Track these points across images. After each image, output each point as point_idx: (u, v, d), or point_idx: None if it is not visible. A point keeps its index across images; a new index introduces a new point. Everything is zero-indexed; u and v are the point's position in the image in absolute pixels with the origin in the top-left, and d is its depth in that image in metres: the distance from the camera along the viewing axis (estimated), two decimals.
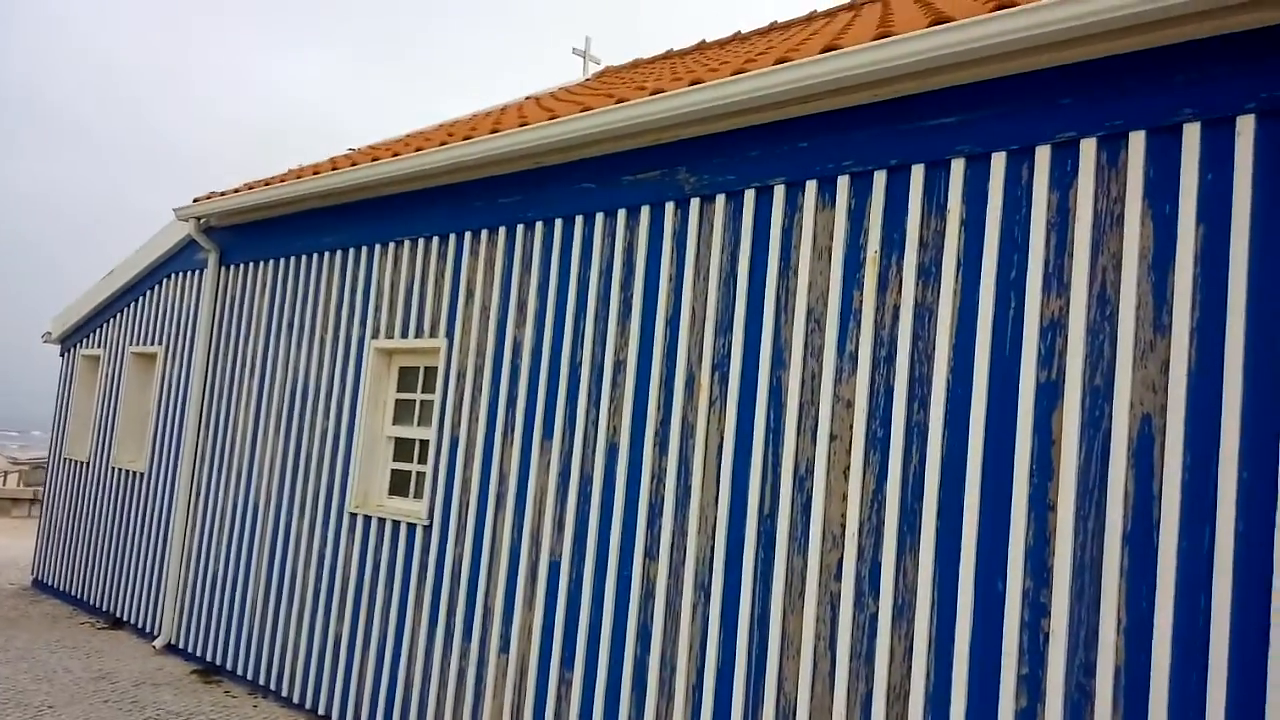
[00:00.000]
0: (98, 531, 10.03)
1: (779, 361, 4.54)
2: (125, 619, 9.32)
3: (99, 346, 10.67)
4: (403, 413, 6.92)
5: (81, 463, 10.62)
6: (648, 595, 4.91)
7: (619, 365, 5.26)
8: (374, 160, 6.59)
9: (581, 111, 5.26)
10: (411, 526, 6.36)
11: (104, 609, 9.69)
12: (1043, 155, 3.82)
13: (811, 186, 4.54)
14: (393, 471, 6.91)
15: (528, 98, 9.94)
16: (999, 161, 3.93)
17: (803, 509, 4.35)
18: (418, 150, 6.29)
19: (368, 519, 6.72)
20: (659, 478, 4.97)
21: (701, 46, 9.80)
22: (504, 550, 5.70)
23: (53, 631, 9.07)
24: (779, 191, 4.66)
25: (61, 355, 11.64)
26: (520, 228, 5.99)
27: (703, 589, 4.67)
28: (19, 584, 11.45)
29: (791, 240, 4.60)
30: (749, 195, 4.78)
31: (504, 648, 5.59)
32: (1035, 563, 3.63)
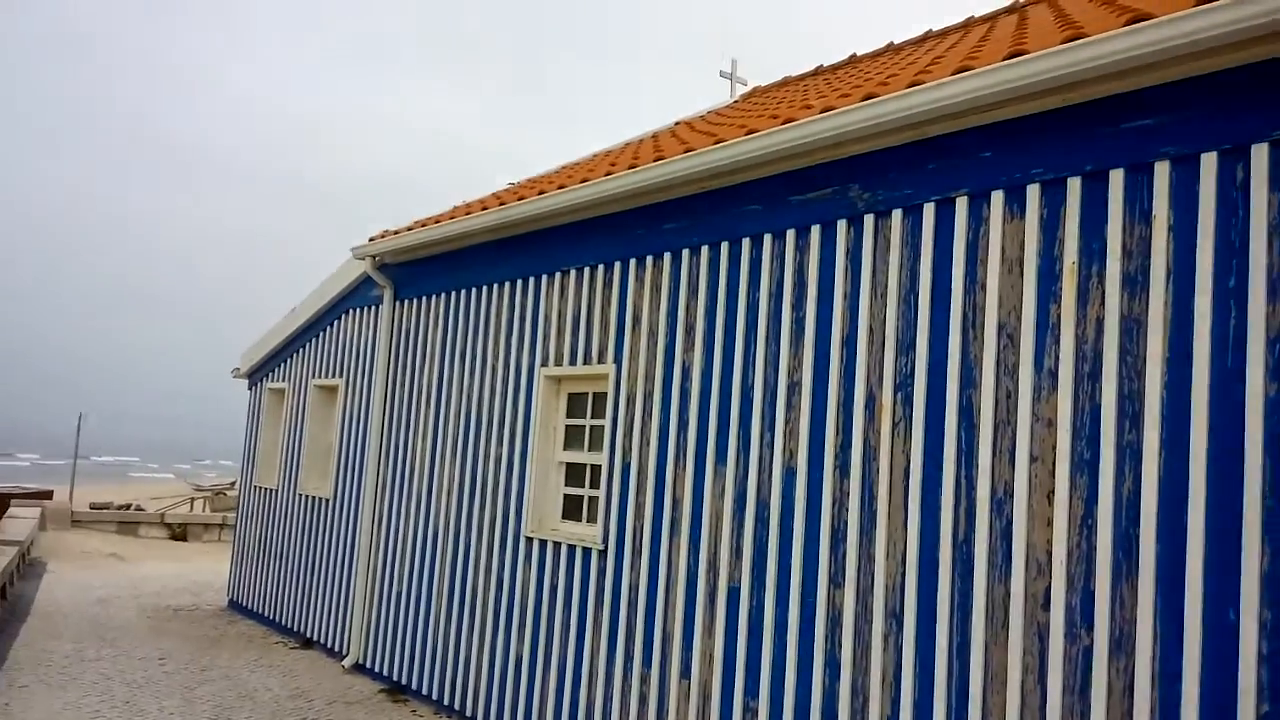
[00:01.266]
0: (287, 555, 10.62)
1: (968, 380, 4.37)
2: (315, 639, 9.81)
3: (284, 380, 11.35)
4: (573, 438, 7.04)
5: (271, 490, 11.28)
6: (834, 623, 4.80)
7: (793, 387, 5.19)
8: (540, 194, 6.76)
9: (747, 134, 5.24)
10: (586, 551, 6.44)
11: (295, 629, 10.24)
12: (1260, 155, 3.54)
13: (997, 197, 4.36)
14: (565, 496, 7.03)
15: (678, 123, 10.01)
16: (1209, 162, 3.67)
17: (1002, 535, 4.16)
18: (583, 181, 6.40)
19: (543, 543, 6.85)
20: (840, 502, 4.86)
21: (853, 60, 9.64)
22: (681, 576, 5.70)
23: (250, 651, 9.63)
24: (961, 204, 4.50)
25: (250, 389, 12.43)
26: (685, 253, 6.01)
27: (894, 617, 4.53)
28: (216, 605, 12.24)
29: (977, 254, 4.43)
30: (928, 209, 4.64)
31: (685, 674, 5.57)
32: (1274, 591, 3.34)
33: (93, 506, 22.07)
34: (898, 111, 4.45)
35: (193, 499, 30.11)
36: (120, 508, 23.15)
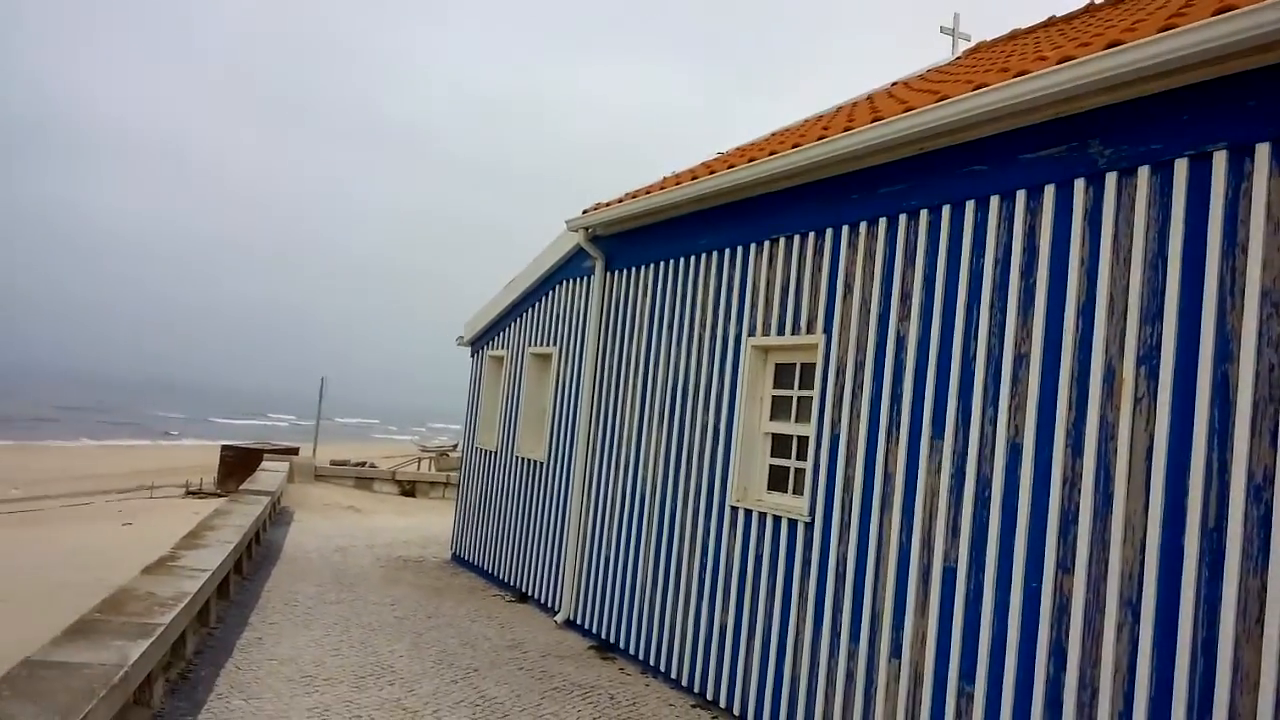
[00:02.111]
0: (504, 514, 11.17)
1: (1224, 354, 3.96)
2: (529, 594, 10.28)
3: (503, 348, 11.89)
4: (780, 409, 6.97)
5: (490, 451, 11.89)
6: (1061, 610, 4.51)
7: (1020, 359, 4.89)
8: (750, 161, 6.68)
9: (975, 89, 4.94)
10: (793, 523, 6.37)
11: (511, 584, 10.76)
12: None
13: (1263, 151, 3.90)
14: (771, 467, 6.97)
15: (894, 83, 9.62)
16: None
17: (1260, 523, 3.75)
18: (794, 147, 6.27)
19: (748, 513, 6.84)
20: (1072, 482, 4.54)
21: (1091, 9, 8.91)
22: (892, 552, 5.53)
23: (470, 602, 10.22)
24: (1219, 159, 4.06)
25: (472, 356, 13.12)
26: (903, 217, 5.77)
27: (1130, 607, 4.19)
28: (440, 558, 13.06)
29: (1237, 213, 3.99)
30: (1180, 165, 4.22)
31: (895, 653, 5.42)
32: None
33: (333, 463, 24.06)
34: (1150, 59, 4.06)
35: (420, 459, 32.28)
36: (357, 465, 25.14)
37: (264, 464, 20.11)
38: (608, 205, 8.80)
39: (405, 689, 6.79)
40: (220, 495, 28.13)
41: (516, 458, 11.00)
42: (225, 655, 7.19)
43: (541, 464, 10.31)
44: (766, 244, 6.98)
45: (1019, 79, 4.63)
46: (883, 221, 5.92)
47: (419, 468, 28.49)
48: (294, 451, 26.73)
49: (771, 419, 7.00)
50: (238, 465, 27.15)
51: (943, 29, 10.86)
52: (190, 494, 29.05)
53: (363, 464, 26.19)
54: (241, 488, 15.14)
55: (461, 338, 13.27)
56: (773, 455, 6.97)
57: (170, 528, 18.88)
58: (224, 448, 28.92)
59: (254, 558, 11.12)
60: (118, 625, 5.59)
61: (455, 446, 42.18)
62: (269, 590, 9.78)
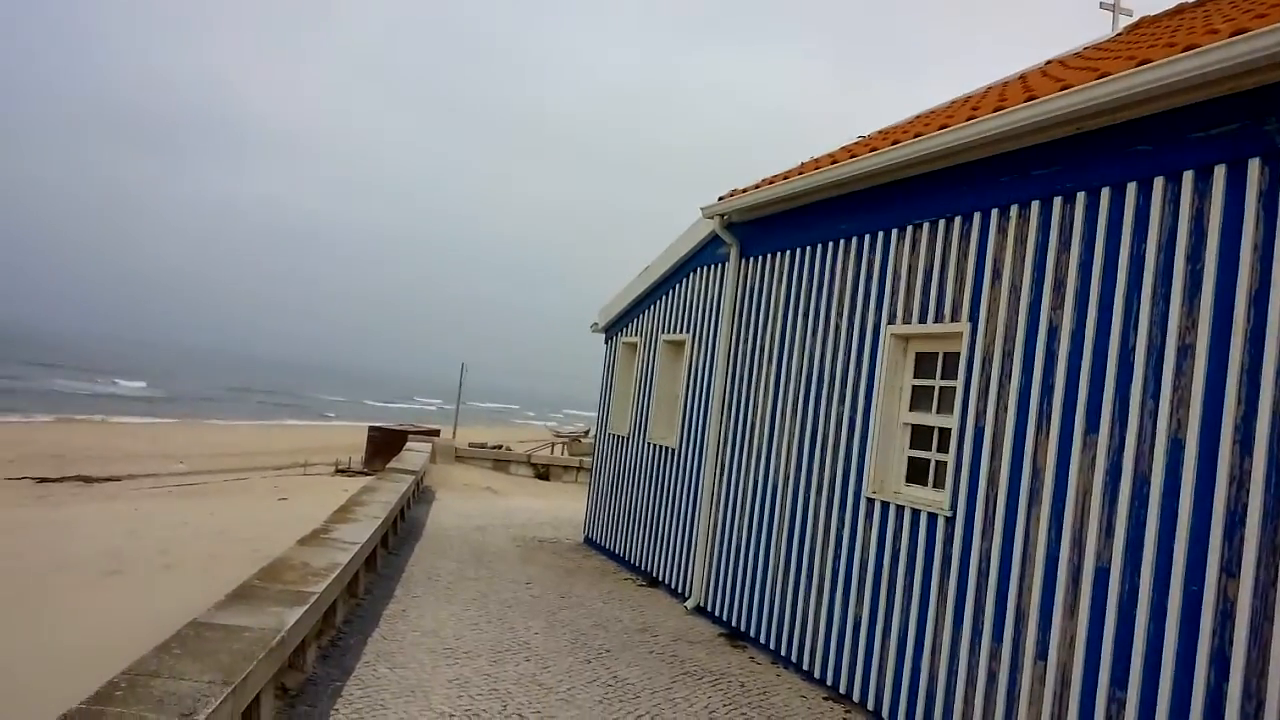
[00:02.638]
0: (636, 499, 11.28)
1: None
2: (660, 579, 10.36)
3: (636, 335, 12.00)
4: (920, 399, 6.78)
5: (622, 437, 12.02)
6: (1224, 616, 4.23)
7: (1184, 350, 4.60)
8: (895, 143, 6.51)
9: (1138, 65, 4.67)
10: (932, 516, 6.20)
11: (641, 568, 10.87)
12: None
13: None
14: (910, 459, 6.80)
15: (1049, 61, 9.18)
16: None
17: None
18: (941, 128, 6.07)
19: (885, 505, 6.69)
20: (1240, 482, 4.25)
21: None
22: (1039, 550, 5.31)
23: (602, 584, 10.37)
24: None
25: (605, 343, 13.29)
26: (1057, 200, 5.51)
27: None
28: (573, 540, 13.31)
29: None
30: None
31: (1041, 654, 5.20)
32: None
33: (470, 445, 24.84)
34: None
35: (553, 444, 32.97)
36: (493, 448, 25.87)
37: (408, 445, 20.95)
38: (743, 191, 8.74)
39: (540, 665, 6.95)
40: (367, 474, 29.45)
41: (648, 444, 11.09)
42: (372, 625, 7.53)
43: (673, 450, 10.36)
44: (909, 229, 6.79)
45: (1188, 53, 4.35)
46: (1035, 205, 5.67)
47: (552, 452, 29.10)
48: (435, 433, 27.71)
49: (911, 409, 6.82)
50: (383, 445, 28.32)
51: (1103, 4, 10.30)
52: (339, 472, 30.53)
53: (499, 447, 26.94)
54: (388, 466, 15.81)
55: (596, 324, 13.46)
56: (912, 447, 6.79)
57: (321, 503, 19.89)
58: (371, 428, 30.23)
59: (399, 533, 11.60)
60: (275, 592, 5.92)
61: (587, 432, 42.92)
62: (412, 565, 10.18)
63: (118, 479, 30.39)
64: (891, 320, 6.89)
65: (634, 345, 12.16)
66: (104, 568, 11.86)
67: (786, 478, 7.96)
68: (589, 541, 12.92)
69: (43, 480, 29.23)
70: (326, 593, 6.32)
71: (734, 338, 9.18)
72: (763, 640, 8.00)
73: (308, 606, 5.71)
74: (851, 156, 7.13)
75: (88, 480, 29.53)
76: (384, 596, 8.55)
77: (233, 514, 18.78)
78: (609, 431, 12.63)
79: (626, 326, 12.43)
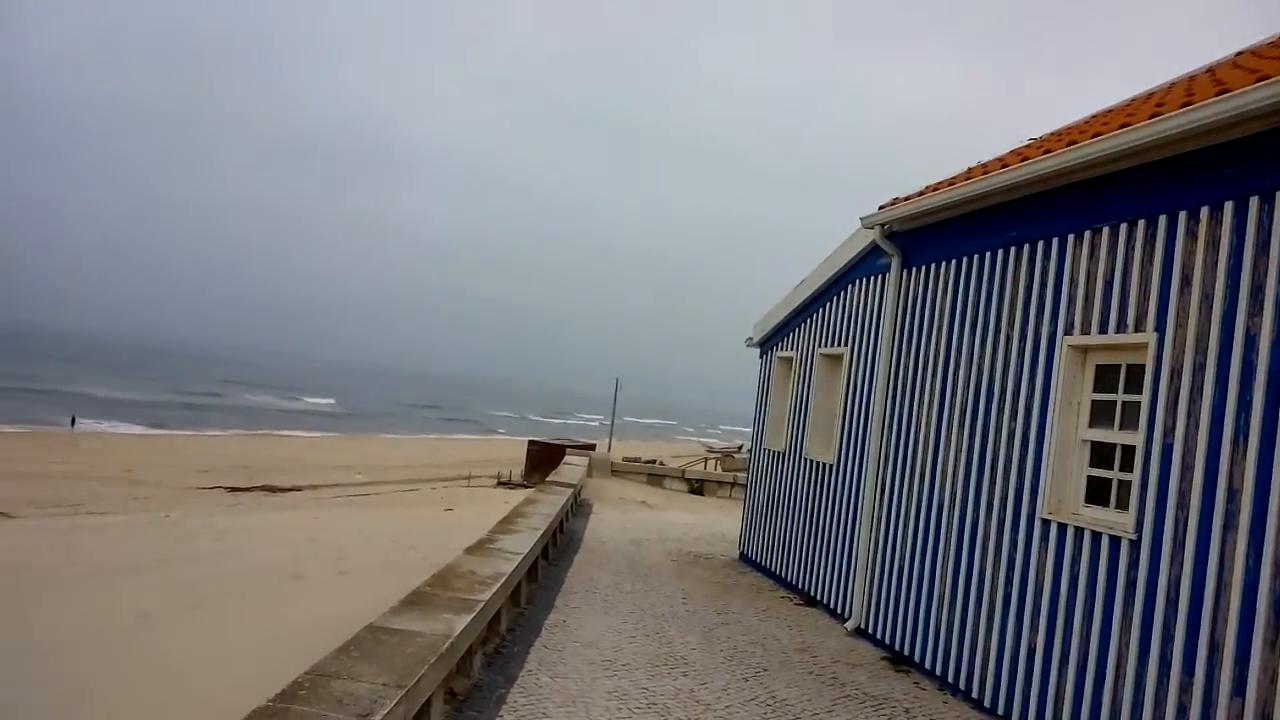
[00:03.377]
0: (792, 515, 11.11)
1: None
2: (817, 598, 10.15)
3: (791, 349, 11.85)
4: (1100, 414, 6.39)
5: (778, 453, 11.88)
6: None
7: None
8: (1071, 144, 6.18)
9: None
10: (1115, 540, 5.81)
11: (798, 586, 10.69)
12: None
13: None
14: (1089, 478, 6.41)
15: (1239, 53, 8.52)
16: None
17: None
18: (1122, 126, 5.72)
19: (1062, 527, 6.33)
20: None
21: None
22: (1236, 577, 4.89)
23: (758, 601, 10.25)
24: None
25: (760, 357, 13.18)
26: (1254, 201, 5.09)
27: None
28: (728, 556, 13.23)
29: None
30: None
31: (1237, 690, 4.79)
32: None
33: (625, 459, 25.13)
34: None
35: (706, 459, 32.98)
36: (647, 462, 26.09)
37: (566, 458, 21.39)
38: (905, 200, 8.50)
39: (697, 681, 6.92)
40: (526, 486, 30.30)
41: (805, 460, 10.91)
42: (534, 634, 7.69)
43: (831, 466, 10.15)
44: (1087, 235, 6.43)
45: None
46: (1228, 206, 5.26)
47: (706, 467, 29.09)
48: (591, 447, 28.21)
49: (1090, 425, 6.44)
50: (541, 459, 29.01)
51: None
52: (501, 484, 31.51)
53: (653, 462, 27.14)
54: (548, 480, 16.18)
55: (750, 339, 13.38)
56: (1091, 465, 6.41)
57: (483, 513, 20.58)
58: (530, 442, 31.08)
59: (558, 545, 11.84)
60: (445, 599, 6.13)
61: (740, 448, 42.71)
62: (571, 576, 10.35)
63: (299, 489, 32.41)
64: (1069, 331, 6.53)
65: (789, 360, 12.00)
66: (288, 572, 12.63)
67: (954, 496, 7.66)
68: (744, 558, 12.81)
69: (233, 489, 31.49)
70: (492, 601, 6.50)
71: (896, 351, 8.92)
72: (928, 665, 7.70)
73: (475, 614, 5.88)
74: (1022, 160, 6.81)
75: (272, 490, 31.61)
76: (545, 606, 8.72)
77: (403, 523, 19.67)
78: (764, 447, 12.50)
79: (782, 341, 12.29)
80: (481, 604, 6.14)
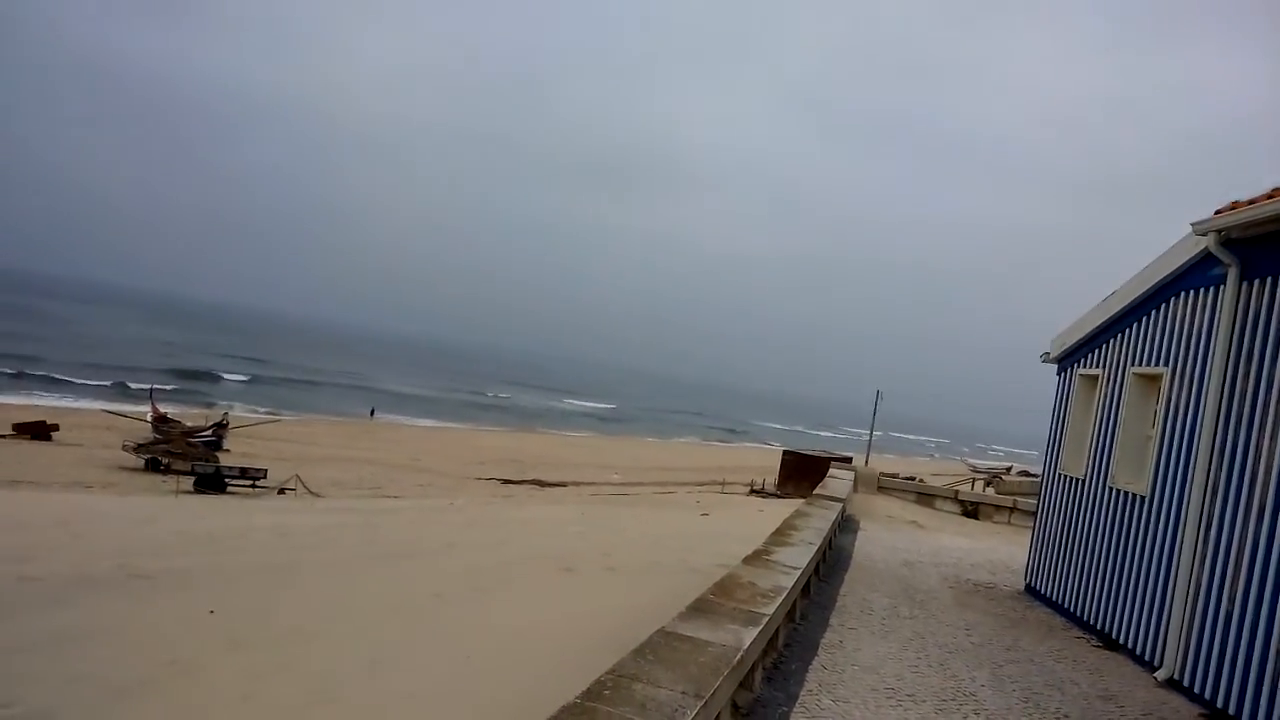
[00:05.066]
0: (1092, 549, 10.12)
1: None
2: (1120, 641, 9.17)
3: (1097, 366, 10.81)
4: None
5: (1076, 479, 10.88)
6: None
7: None
8: None
9: None
10: None
11: (1097, 626, 9.71)
12: None
13: None
14: None
15: None
16: None
17: None
18: None
19: None
20: None
21: None
22: None
23: (1050, 640, 9.41)
24: None
25: (1058, 374, 12.15)
26: None
27: None
28: (1012, 587, 12.30)
29: None
30: None
31: None
32: None
33: (882, 475, 24.20)
34: None
35: (972, 479, 31.21)
36: (906, 479, 25.01)
37: (832, 471, 20.90)
38: (1250, 204, 7.47)
39: None
40: (779, 495, 30.00)
41: (1110, 489, 9.90)
42: (811, 652, 7.44)
43: (1142, 498, 9.14)
44: None
45: None
46: None
47: (971, 488, 27.50)
48: (847, 460, 27.47)
49: None
50: (795, 469, 28.62)
51: None
52: (753, 492, 31.41)
53: (912, 478, 26.00)
54: (815, 493, 15.83)
55: (1046, 354, 12.37)
56: None
57: (740, 520, 20.54)
58: (785, 452, 30.78)
59: (828, 561, 11.49)
60: (729, 610, 6.03)
61: (1009, 469, 40.05)
62: (844, 595, 9.99)
63: (564, 484, 33.99)
64: None
65: (1094, 378, 10.96)
66: (561, 565, 13.12)
67: None
68: (1030, 590, 11.86)
69: (506, 481, 33.51)
70: (775, 615, 6.34)
71: (1231, 371, 7.86)
72: None
73: (760, 627, 5.73)
74: None
75: (541, 484, 33.33)
76: (819, 624, 8.44)
77: (662, 525, 20.01)
78: (1059, 471, 11.50)
79: (1085, 357, 11.25)
80: (766, 618, 5.99)
